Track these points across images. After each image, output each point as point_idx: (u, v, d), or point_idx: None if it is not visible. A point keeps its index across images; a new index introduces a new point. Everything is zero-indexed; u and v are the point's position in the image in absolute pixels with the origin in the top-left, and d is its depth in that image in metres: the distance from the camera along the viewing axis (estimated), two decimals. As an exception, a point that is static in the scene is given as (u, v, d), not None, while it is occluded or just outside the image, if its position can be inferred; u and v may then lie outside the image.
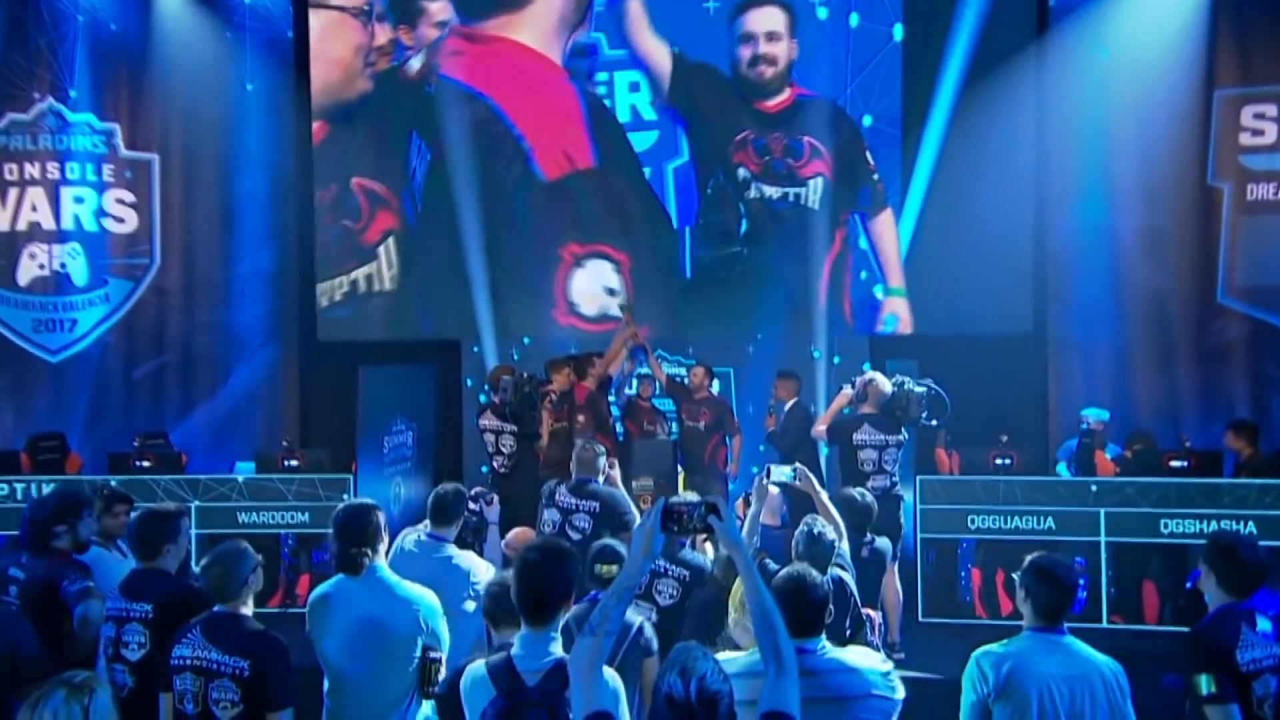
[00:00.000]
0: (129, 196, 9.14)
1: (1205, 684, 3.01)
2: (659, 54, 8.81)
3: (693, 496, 3.13)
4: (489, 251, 8.71)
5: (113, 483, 6.83)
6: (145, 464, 7.09)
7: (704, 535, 2.36)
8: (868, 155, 8.74)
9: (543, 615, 2.65)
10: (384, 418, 6.85)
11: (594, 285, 8.88)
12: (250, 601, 3.30)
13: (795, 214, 8.74)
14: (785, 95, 8.79)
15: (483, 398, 8.50)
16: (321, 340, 8.97)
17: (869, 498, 4.82)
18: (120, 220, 9.14)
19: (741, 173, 8.75)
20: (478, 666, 2.69)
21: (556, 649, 2.64)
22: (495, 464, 6.62)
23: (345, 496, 6.51)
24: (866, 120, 8.74)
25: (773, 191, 8.77)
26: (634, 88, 8.99)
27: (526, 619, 2.68)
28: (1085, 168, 8.66)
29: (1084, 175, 8.67)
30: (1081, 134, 8.62)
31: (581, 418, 6.91)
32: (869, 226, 8.85)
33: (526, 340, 8.92)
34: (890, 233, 8.78)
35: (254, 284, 8.83)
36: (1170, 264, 8.53)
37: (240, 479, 6.78)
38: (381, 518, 3.46)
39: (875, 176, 8.75)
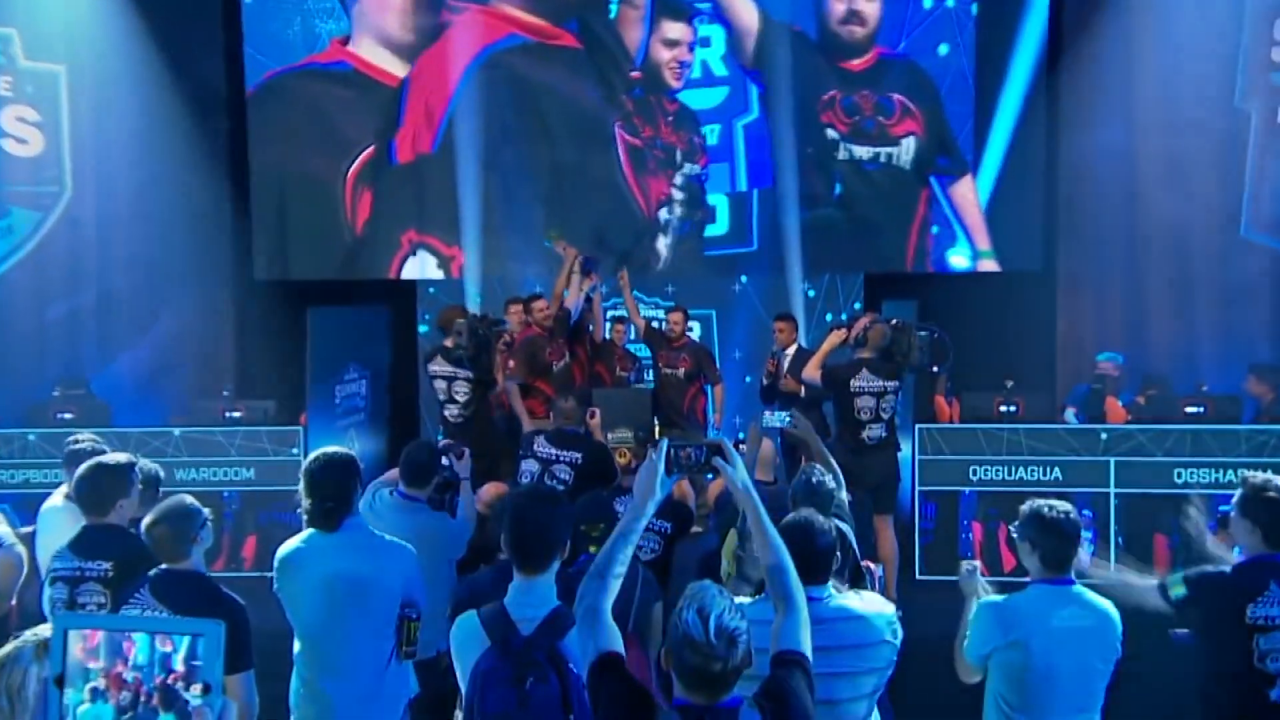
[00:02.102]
0: (32, 114, 9.03)
1: (1175, 587, 3.40)
2: (746, 10, 9.18)
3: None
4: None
5: (30, 437, 6.99)
6: (67, 416, 7.19)
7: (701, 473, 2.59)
8: (947, 120, 9.20)
9: (537, 562, 2.86)
10: (335, 364, 6.99)
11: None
12: (202, 560, 3.47)
13: (886, 175, 9.27)
14: (869, 55, 9.22)
15: (424, 328, 8.72)
16: (259, 279, 9.06)
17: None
18: (23, 141, 9.04)
19: (830, 133, 9.21)
20: (469, 616, 2.90)
21: (552, 597, 2.87)
22: (448, 413, 6.73)
23: (295, 451, 6.69)
24: (943, 49, 9.16)
25: (863, 152, 9.24)
26: (705, 43, 9.34)
27: (520, 567, 2.89)
28: (1101, 86, 8.85)
29: (1099, 94, 8.86)
30: (1098, 47, 8.79)
31: (512, 362, 7.12)
32: (949, 192, 9.31)
33: None
34: (972, 195, 9.26)
35: (181, 214, 8.83)
36: (1191, 194, 8.74)
37: (177, 432, 6.91)
38: (359, 468, 3.65)
39: (956, 140, 9.23)
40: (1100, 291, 8.97)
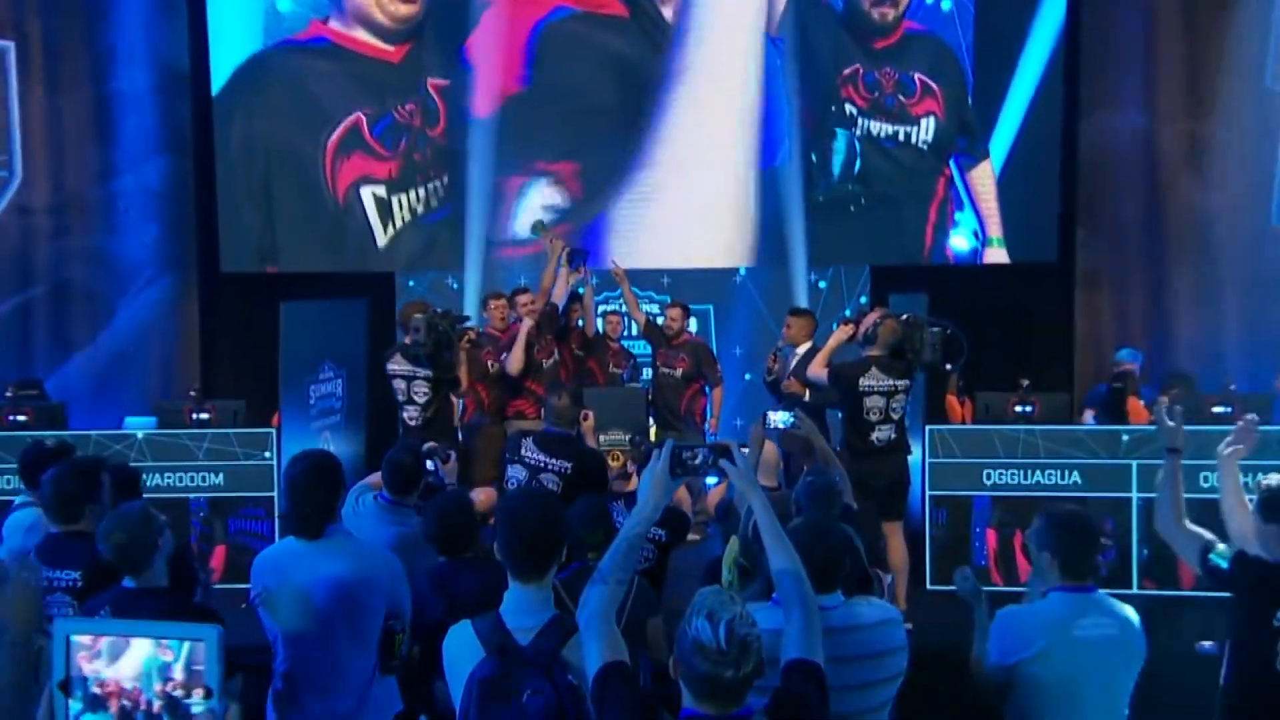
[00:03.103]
0: (-22, 94, 9.11)
1: (1218, 556, 3.47)
2: None
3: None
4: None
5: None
6: (21, 419, 7.22)
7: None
8: (969, 100, 9.46)
9: (535, 568, 2.92)
10: (309, 362, 7.03)
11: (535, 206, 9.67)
12: (164, 569, 3.48)
13: (905, 153, 9.60)
14: (896, 33, 9.55)
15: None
16: (226, 271, 9.12)
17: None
18: (-33, 124, 9.12)
19: (849, 108, 9.54)
20: (462, 625, 2.95)
21: (551, 605, 2.94)
22: (406, 415, 6.75)
23: (267, 455, 6.75)
24: (945, 4, 9.41)
25: (881, 129, 9.55)
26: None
27: (517, 573, 2.94)
28: (1122, 64, 8.96)
29: (1120, 73, 8.97)
30: (1119, 23, 8.90)
31: (502, 356, 7.21)
32: (967, 176, 9.58)
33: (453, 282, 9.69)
34: (989, 180, 9.52)
35: (141, 202, 8.89)
36: (1218, 180, 8.88)
37: (139, 435, 6.94)
38: (342, 472, 3.72)
39: (976, 122, 9.48)
40: (1121, 284, 9.09)
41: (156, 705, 1.79)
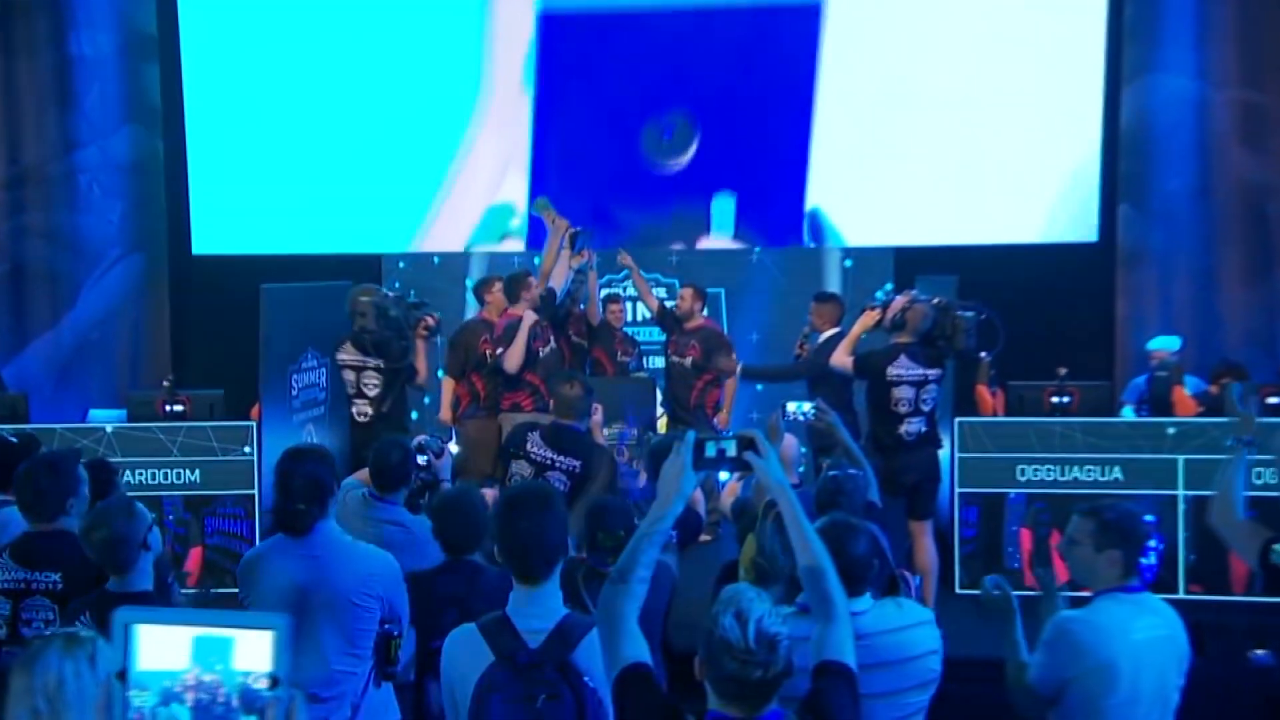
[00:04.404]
0: (-75, 60, 9.16)
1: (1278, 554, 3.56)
2: None
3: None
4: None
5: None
6: (-21, 411, 7.31)
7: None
8: None
9: (539, 569, 3.02)
10: (291, 350, 7.09)
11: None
12: (151, 571, 3.58)
13: None
14: None
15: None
16: (198, 254, 9.19)
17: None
18: (-85, 92, 9.17)
19: None
20: (467, 628, 3.04)
21: (559, 606, 3.03)
22: (355, 410, 6.83)
23: (247, 450, 6.83)
24: None
25: None
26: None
27: (519, 575, 3.04)
28: (1169, 26, 9.01)
29: (1168, 36, 9.02)
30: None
31: (499, 349, 7.30)
32: None
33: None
34: None
35: (105, 177, 8.94)
36: (1272, 152, 8.94)
37: (109, 429, 7.01)
38: (335, 467, 3.82)
39: None
40: (1166, 265, 9.13)
41: (235, 700, 1.89)
